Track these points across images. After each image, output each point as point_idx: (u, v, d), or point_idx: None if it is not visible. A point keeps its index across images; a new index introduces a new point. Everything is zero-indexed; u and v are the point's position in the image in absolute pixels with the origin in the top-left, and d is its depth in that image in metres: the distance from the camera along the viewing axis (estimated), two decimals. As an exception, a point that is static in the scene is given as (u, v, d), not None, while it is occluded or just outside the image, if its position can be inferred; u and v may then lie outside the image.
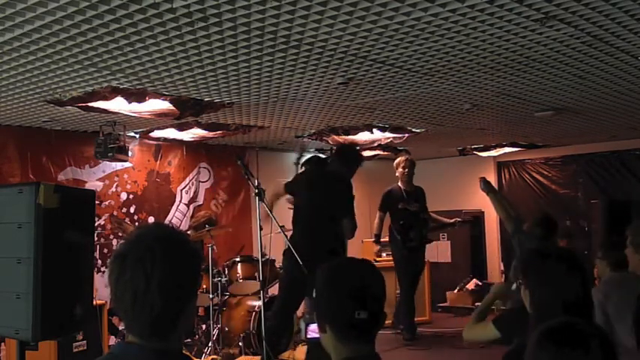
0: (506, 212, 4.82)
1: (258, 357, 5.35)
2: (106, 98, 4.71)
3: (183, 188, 7.65)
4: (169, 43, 3.43)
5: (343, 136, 7.00)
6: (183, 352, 1.69)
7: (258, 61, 3.89)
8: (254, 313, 6.06)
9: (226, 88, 4.61)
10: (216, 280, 6.10)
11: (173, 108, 5.15)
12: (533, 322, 2.16)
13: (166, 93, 4.74)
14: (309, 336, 5.22)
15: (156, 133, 6.74)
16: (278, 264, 6.02)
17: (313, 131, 6.93)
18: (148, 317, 1.46)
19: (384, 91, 4.88)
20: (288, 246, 4.95)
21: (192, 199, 7.73)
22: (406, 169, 7.14)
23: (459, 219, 7.59)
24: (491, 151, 9.12)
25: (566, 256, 2.27)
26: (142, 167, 7.17)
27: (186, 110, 5.26)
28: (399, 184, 7.24)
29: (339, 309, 1.67)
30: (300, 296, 5.42)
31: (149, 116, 5.47)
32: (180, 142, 7.28)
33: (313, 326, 4.68)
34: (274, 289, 6.01)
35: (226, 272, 6.25)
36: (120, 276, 1.47)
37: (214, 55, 3.70)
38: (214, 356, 5.84)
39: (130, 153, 6.23)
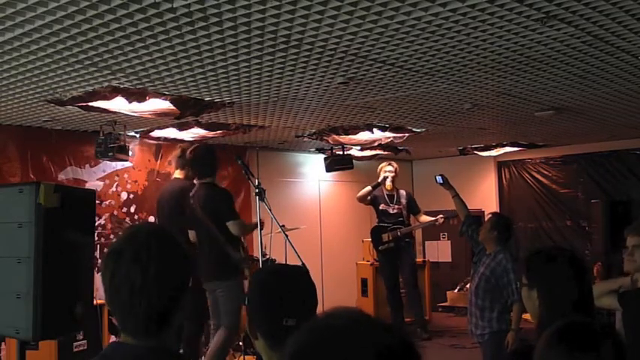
0: (466, 210, 5.06)
1: (258, 357, 5.34)
2: (106, 98, 4.71)
3: (184, 188, 7.63)
4: (170, 43, 3.43)
5: (343, 136, 7.01)
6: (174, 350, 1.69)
7: (259, 61, 3.89)
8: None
9: (227, 87, 4.61)
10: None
11: (173, 108, 5.14)
12: (542, 323, 2.14)
13: (167, 93, 4.74)
14: None
15: (156, 133, 6.74)
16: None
17: (313, 131, 6.93)
18: (144, 312, 1.47)
19: (384, 90, 4.88)
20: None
21: (193, 199, 7.71)
22: (388, 177, 7.53)
23: (441, 215, 7.55)
24: (492, 151, 9.11)
25: (574, 256, 2.26)
26: (142, 167, 7.17)
27: (187, 110, 5.25)
28: (382, 187, 7.61)
29: (268, 316, 1.68)
30: None
31: (149, 116, 5.46)
32: (181, 141, 7.27)
33: None
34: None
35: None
36: (115, 272, 1.48)
37: (215, 54, 3.69)
38: (214, 356, 5.83)
39: (130, 152, 6.23)
